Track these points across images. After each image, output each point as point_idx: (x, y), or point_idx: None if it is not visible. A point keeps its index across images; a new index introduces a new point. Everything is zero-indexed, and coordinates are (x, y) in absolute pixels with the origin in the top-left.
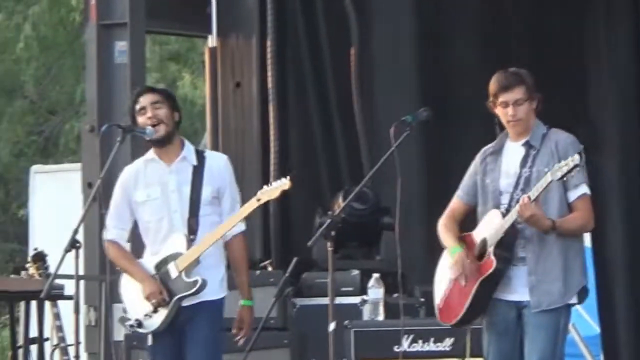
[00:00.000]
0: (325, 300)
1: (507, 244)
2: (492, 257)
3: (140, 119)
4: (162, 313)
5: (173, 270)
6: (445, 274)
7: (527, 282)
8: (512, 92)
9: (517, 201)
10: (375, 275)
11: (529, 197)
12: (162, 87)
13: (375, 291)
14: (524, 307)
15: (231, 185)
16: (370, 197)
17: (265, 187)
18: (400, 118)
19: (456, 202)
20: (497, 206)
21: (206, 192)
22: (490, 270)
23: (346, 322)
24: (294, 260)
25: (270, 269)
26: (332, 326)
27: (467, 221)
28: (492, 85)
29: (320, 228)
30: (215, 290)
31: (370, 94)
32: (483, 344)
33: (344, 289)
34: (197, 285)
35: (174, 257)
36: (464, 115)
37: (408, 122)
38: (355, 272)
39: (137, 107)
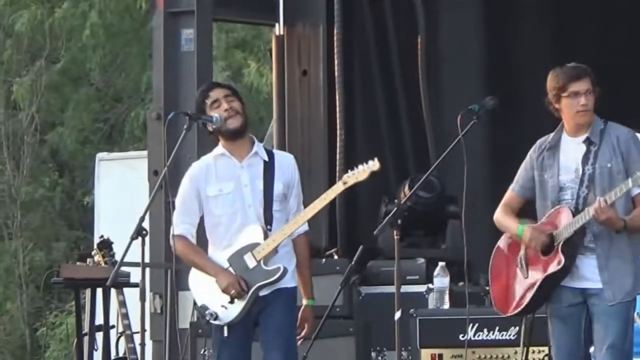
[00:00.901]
0: (390, 289)
1: (575, 242)
2: (561, 255)
3: (215, 112)
4: (240, 304)
5: (250, 260)
6: (503, 262)
7: (599, 276)
8: (583, 82)
9: (584, 199)
10: (441, 263)
11: (605, 201)
12: (227, 83)
13: (441, 280)
14: (591, 295)
15: (298, 184)
16: (436, 185)
17: (350, 171)
18: (466, 107)
19: (512, 195)
20: (558, 201)
21: (277, 188)
22: (559, 267)
23: (411, 310)
24: (360, 248)
25: (336, 257)
26: (397, 314)
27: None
28: (559, 78)
29: (386, 216)
30: (290, 278)
31: (437, 82)
32: (548, 331)
33: (409, 277)
34: (280, 273)
35: (250, 247)
36: (531, 104)
37: (475, 110)
38: (421, 260)
39: (209, 101)
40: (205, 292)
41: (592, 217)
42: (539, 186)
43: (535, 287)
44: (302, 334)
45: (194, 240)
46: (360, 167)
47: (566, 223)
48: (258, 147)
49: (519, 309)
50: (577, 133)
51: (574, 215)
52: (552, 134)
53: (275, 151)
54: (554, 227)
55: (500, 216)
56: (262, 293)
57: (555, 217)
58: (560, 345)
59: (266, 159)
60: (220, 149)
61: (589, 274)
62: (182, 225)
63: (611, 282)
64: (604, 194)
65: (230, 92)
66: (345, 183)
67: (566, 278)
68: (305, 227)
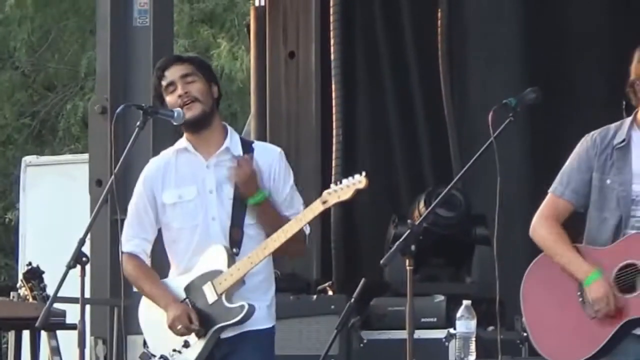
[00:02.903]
0: (401, 334)
1: None
2: None
3: (170, 99)
4: (197, 347)
5: (210, 292)
6: (542, 295)
7: None
8: None
9: None
10: (466, 302)
11: None
12: (193, 55)
13: (466, 323)
14: None
15: (286, 178)
16: (460, 202)
17: (332, 185)
18: (500, 101)
19: (559, 203)
20: (627, 217)
21: None
22: None
23: None
24: (362, 282)
25: (330, 293)
26: None
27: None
28: None
29: (395, 241)
30: (263, 317)
31: (462, 69)
32: None
33: (425, 319)
34: (242, 314)
35: (211, 275)
36: (582, 98)
37: (511, 106)
38: (440, 298)
39: (164, 83)
40: (158, 330)
41: None
42: (597, 193)
43: (609, 335)
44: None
45: (148, 260)
46: (344, 181)
47: None
48: (231, 140)
49: (584, 358)
50: None
51: None
52: (613, 127)
53: (258, 144)
54: (631, 255)
55: (546, 233)
56: (226, 335)
57: (634, 244)
58: None
59: (240, 153)
60: (183, 141)
61: None
62: (133, 240)
63: None
64: None
65: (191, 70)
66: (324, 202)
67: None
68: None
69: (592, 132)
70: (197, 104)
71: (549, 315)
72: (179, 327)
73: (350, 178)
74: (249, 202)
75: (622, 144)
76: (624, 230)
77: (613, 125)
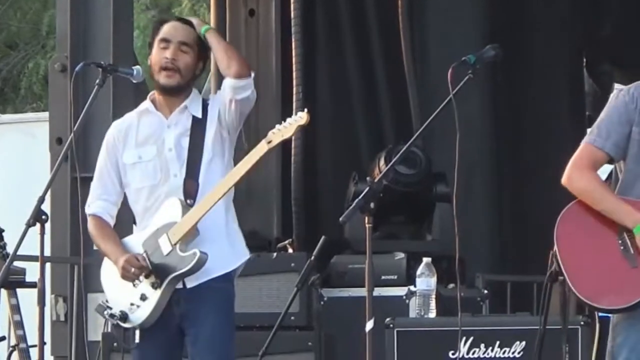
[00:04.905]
0: (361, 292)
1: None
2: None
3: (156, 53)
4: (154, 299)
5: (165, 244)
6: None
7: None
8: None
9: None
10: (426, 260)
11: None
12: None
13: (426, 280)
14: None
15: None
16: (421, 159)
17: (277, 125)
18: (460, 58)
19: (599, 154)
20: None
21: (208, 140)
22: None
23: (388, 319)
24: (322, 239)
25: (290, 250)
26: (369, 325)
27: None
28: None
29: (355, 198)
30: (222, 262)
31: (422, 27)
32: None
33: (385, 277)
34: (194, 261)
35: (166, 228)
36: (542, 55)
37: (470, 63)
38: (401, 255)
39: (158, 36)
40: (116, 288)
41: None
42: (637, 146)
43: None
44: None
45: (112, 221)
46: (288, 120)
47: None
48: (191, 100)
49: (624, 306)
50: None
51: None
52: None
53: (211, 97)
54: None
55: (589, 183)
56: (186, 286)
57: None
58: None
59: (198, 114)
60: (146, 102)
61: None
62: (97, 202)
63: None
64: None
65: (190, 40)
66: (269, 142)
67: None
68: None
69: (627, 86)
70: (177, 75)
71: (587, 260)
72: (131, 270)
73: (293, 116)
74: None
75: None
76: None
77: None
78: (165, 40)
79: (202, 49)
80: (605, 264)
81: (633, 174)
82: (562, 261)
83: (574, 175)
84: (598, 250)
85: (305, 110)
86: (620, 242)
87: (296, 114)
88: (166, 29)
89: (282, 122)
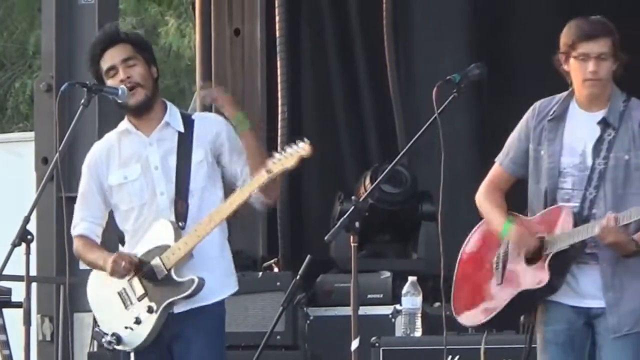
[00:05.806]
0: (347, 311)
1: (569, 257)
2: (547, 270)
3: (111, 83)
4: (148, 323)
5: (159, 268)
6: (476, 253)
7: (604, 297)
8: (597, 43)
9: (591, 203)
10: (412, 278)
11: (615, 220)
12: (132, 32)
13: (412, 299)
14: (595, 317)
15: (231, 138)
16: (406, 178)
17: (276, 154)
18: (445, 77)
19: (499, 171)
20: (554, 188)
21: (197, 158)
22: (539, 286)
23: (373, 338)
24: (307, 258)
25: (276, 269)
26: (355, 344)
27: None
28: (570, 33)
29: (341, 217)
30: (215, 290)
31: (407, 45)
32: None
33: (371, 296)
34: (193, 287)
35: (159, 251)
36: (528, 72)
37: (455, 81)
38: (387, 274)
39: (104, 67)
40: (107, 309)
41: (596, 235)
42: (533, 164)
43: (506, 301)
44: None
45: (98, 241)
46: (288, 149)
47: (564, 231)
48: (171, 114)
49: (480, 322)
50: (590, 107)
51: (575, 224)
52: (557, 98)
53: (197, 115)
54: (549, 228)
55: (483, 198)
56: (176, 310)
57: (552, 217)
58: None
59: (181, 129)
60: (124, 123)
61: (592, 290)
62: (82, 223)
63: (617, 304)
64: (616, 192)
65: (131, 53)
66: (269, 171)
67: (566, 294)
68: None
69: (538, 101)
70: (140, 90)
71: (469, 273)
72: (121, 264)
73: (293, 145)
74: (237, 119)
75: (558, 116)
76: (553, 202)
77: (559, 95)
78: (111, 68)
79: (147, 55)
80: (478, 278)
81: (530, 192)
82: (456, 269)
83: (478, 191)
84: (479, 264)
85: (307, 140)
86: (495, 258)
87: (283, 143)
88: (105, 59)
89: (282, 151)
